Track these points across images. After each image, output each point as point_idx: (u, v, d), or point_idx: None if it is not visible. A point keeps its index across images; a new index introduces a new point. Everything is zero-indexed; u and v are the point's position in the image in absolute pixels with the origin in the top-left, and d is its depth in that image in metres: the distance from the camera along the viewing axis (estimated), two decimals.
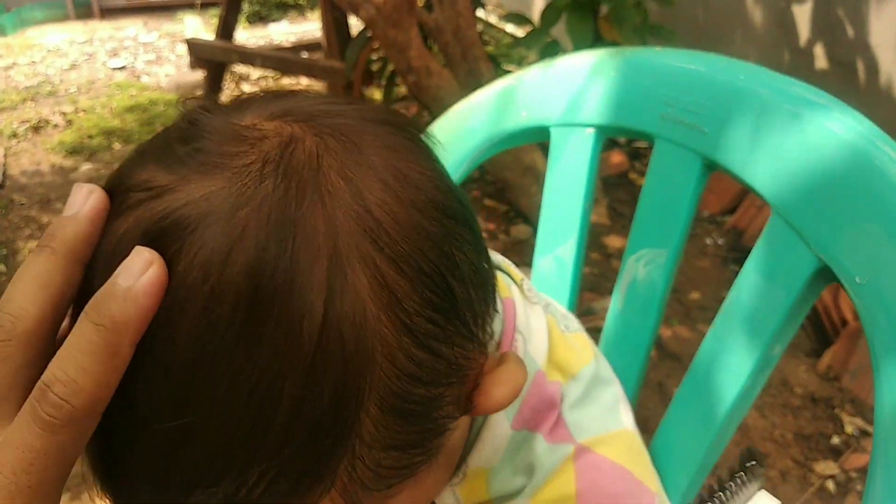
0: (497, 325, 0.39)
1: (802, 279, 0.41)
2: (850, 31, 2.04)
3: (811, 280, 0.41)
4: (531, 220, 2.09)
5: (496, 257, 0.45)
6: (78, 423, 0.25)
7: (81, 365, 0.24)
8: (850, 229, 0.39)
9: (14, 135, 3.12)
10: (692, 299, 1.90)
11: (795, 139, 0.41)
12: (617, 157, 2.54)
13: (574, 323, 0.47)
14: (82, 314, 0.25)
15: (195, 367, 0.25)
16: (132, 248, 0.25)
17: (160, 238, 0.26)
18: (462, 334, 0.31)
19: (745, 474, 0.21)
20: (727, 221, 2.22)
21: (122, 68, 4.13)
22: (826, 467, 1.44)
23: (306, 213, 0.26)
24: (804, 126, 0.41)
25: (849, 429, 1.52)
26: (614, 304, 0.54)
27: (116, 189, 0.28)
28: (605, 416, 0.43)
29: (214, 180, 0.26)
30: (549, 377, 0.41)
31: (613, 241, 2.15)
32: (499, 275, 0.43)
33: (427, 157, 0.32)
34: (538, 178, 2.04)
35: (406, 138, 0.32)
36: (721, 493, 0.20)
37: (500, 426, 0.39)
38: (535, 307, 0.43)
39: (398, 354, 0.28)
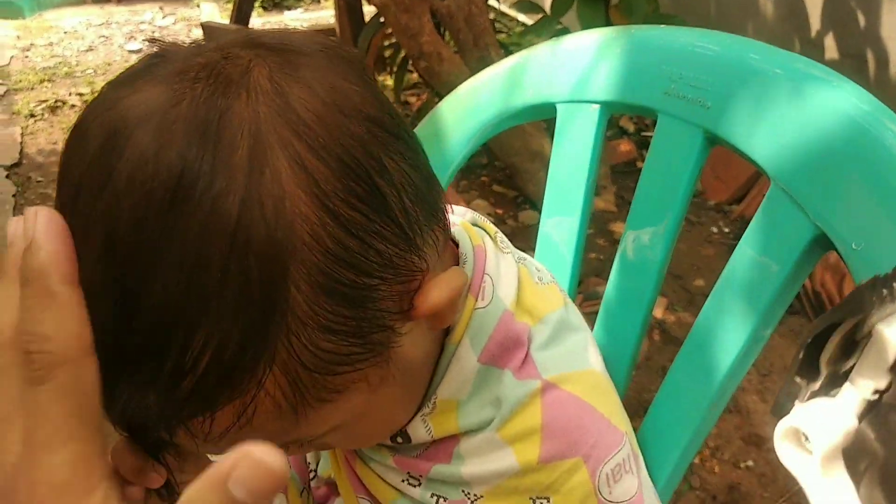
0: (468, 269, 0.41)
1: (800, 247, 0.42)
2: (862, 23, 2.04)
3: (808, 248, 0.42)
4: (538, 206, 2.11)
5: (470, 213, 0.48)
6: (65, 365, 0.27)
7: (35, 318, 0.27)
8: (847, 198, 0.40)
9: (31, 114, 3.17)
10: (696, 286, 1.92)
11: (797, 111, 0.43)
12: (625, 146, 2.55)
13: (547, 276, 0.49)
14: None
15: (135, 247, 0.28)
16: (97, 159, 0.29)
17: (110, 140, 0.29)
18: (396, 234, 0.33)
19: None
20: (734, 210, 2.23)
21: (139, 51, 4.16)
22: None
23: (231, 104, 0.29)
24: (806, 99, 0.42)
25: None
26: (613, 276, 0.56)
27: (90, 109, 0.32)
28: (572, 357, 0.45)
29: (157, 88, 0.30)
30: (517, 318, 0.43)
31: (620, 228, 2.17)
32: (471, 227, 0.45)
33: (363, 81, 0.34)
34: (546, 163, 2.06)
35: (345, 61, 0.34)
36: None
37: (466, 359, 0.41)
38: (506, 256, 0.45)
39: (321, 233, 0.30)
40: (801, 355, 0.19)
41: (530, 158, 2.13)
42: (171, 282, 0.28)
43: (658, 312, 1.83)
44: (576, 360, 0.45)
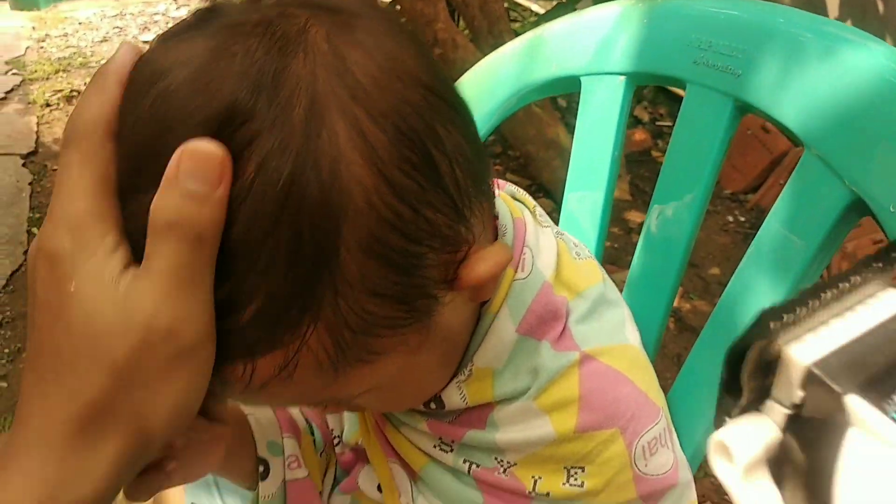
0: (507, 240, 0.41)
1: (835, 213, 0.42)
2: (881, 8, 2.01)
3: (843, 214, 0.42)
4: (553, 195, 2.10)
5: (508, 185, 0.48)
6: (208, 242, 0.28)
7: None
8: (884, 160, 0.40)
9: (47, 104, 3.19)
10: (712, 274, 1.91)
11: (829, 75, 0.42)
12: (640, 135, 2.54)
13: (585, 251, 0.49)
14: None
15: None
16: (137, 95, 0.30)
17: (156, 78, 0.30)
18: (447, 205, 0.33)
19: (882, 262, 0.19)
20: (749, 200, 2.21)
21: None
22: None
23: (288, 62, 0.29)
24: (837, 61, 0.42)
25: None
26: (638, 254, 0.56)
27: (139, 61, 0.33)
28: (610, 331, 0.45)
29: (209, 41, 0.30)
30: (556, 291, 0.43)
31: (635, 217, 2.16)
32: (511, 199, 0.46)
33: (418, 48, 0.34)
34: (561, 152, 2.05)
35: (402, 31, 0.34)
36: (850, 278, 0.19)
37: (504, 328, 0.41)
38: (545, 230, 0.46)
39: (375, 200, 0.30)
40: (724, 375, 0.20)
41: (545, 147, 2.12)
42: (239, 201, 0.29)
43: (674, 300, 1.82)
44: (614, 334, 0.45)
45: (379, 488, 0.50)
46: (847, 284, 0.19)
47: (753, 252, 0.47)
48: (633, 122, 2.65)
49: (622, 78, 0.55)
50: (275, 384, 0.32)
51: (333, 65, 0.30)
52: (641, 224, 2.31)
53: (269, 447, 0.56)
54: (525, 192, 0.48)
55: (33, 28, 4.50)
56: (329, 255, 0.30)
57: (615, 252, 1.96)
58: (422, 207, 0.32)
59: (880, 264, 0.19)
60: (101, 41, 4.22)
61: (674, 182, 0.53)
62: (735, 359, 0.20)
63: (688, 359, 0.52)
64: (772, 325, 0.19)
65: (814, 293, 0.19)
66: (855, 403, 0.17)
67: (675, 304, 1.82)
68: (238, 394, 0.34)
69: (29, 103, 3.22)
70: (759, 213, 2.15)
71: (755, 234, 0.47)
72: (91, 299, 0.28)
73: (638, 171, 2.43)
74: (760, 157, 2.20)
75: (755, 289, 0.46)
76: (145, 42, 4.26)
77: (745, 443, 0.19)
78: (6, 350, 1.76)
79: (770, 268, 0.46)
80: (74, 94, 3.31)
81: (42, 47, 4.09)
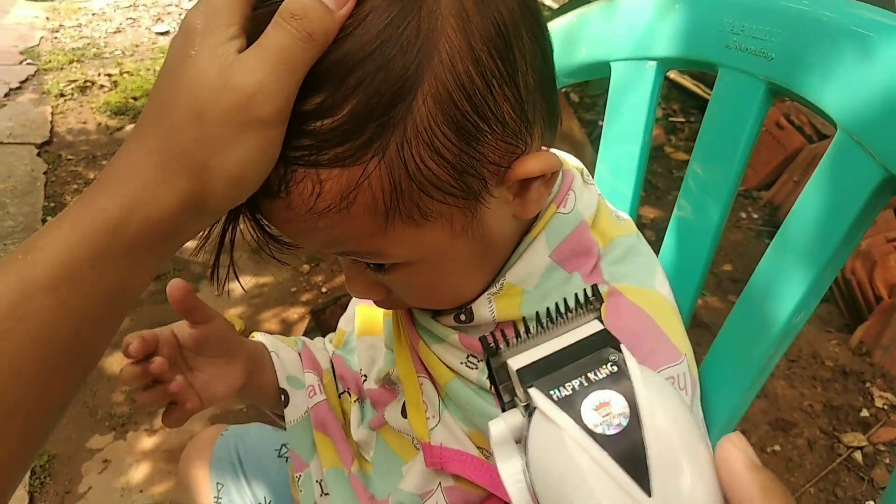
0: (554, 186, 0.45)
1: (869, 188, 0.42)
2: None
3: (877, 190, 0.43)
4: None
5: (560, 152, 0.50)
6: (317, 44, 0.33)
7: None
8: None
9: (61, 94, 3.20)
10: (725, 271, 1.91)
11: (866, 59, 0.43)
12: (653, 131, 2.54)
13: (624, 216, 0.52)
14: None
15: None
16: None
17: None
18: (515, 99, 0.37)
19: (584, 306, 0.27)
20: (763, 196, 2.21)
21: (166, 33, 4.19)
22: (854, 439, 1.45)
23: None
24: (874, 46, 0.42)
25: (879, 402, 1.53)
26: (668, 239, 0.56)
27: None
28: (638, 275, 0.47)
29: None
30: (593, 233, 0.46)
31: (647, 212, 2.16)
32: (564, 156, 0.49)
33: None
34: (575, 145, 2.05)
35: None
36: (555, 316, 0.27)
37: (539, 251, 0.44)
38: (590, 186, 0.49)
39: (457, 58, 0.34)
40: (491, 388, 0.28)
41: (560, 140, 2.12)
42: (350, 28, 0.34)
43: (703, 284, 1.82)
44: (642, 278, 0.47)
45: (403, 413, 0.52)
46: (559, 315, 0.27)
47: (780, 240, 0.48)
48: None
49: (653, 63, 0.56)
50: (333, 214, 0.36)
51: None
52: (654, 219, 2.30)
53: (289, 380, 0.62)
54: (574, 157, 0.51)
55: (47, 18, 4.52)
56: (408, 93, 0.34)
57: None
58: (494, 88, 0.36)
59: (586, 304, 0.27)
60: (115, 32, 4.23)
61: (706, 165, 0.53)
62: (490, 375, 0.27)
63: (710, 350, 0.52)
64: (493, 347, 0.26)
65: (535, 323, 0.27)
66: (533, 391, 0.25)
67: None
68: (299, 220, 0.37)
69: (43, 93, 3.23)
70: (773, 209, 2.15)
71: (768, 230, 0.48)
72: (203, 62, 0.33)
73: (650, 166, 2.43)
74: (774, 153, 2.20)
75: (786, 271, 0.47)
76: (158, 33, 4.27)
77: (496, 429, 0.26)
78: None
79: (801, 250, 0.46)
80: (88, 84, 3.33)
81: (56, 37, 4.11)
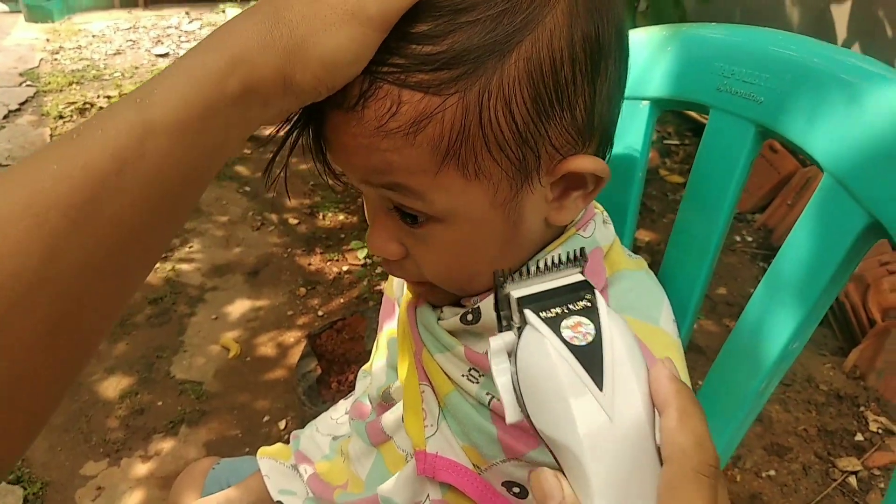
0: (580, 213, 0.47)
1: (854, 234, 0.44)
2: (889, 32, 2.03)
3: (861, 235, 0.44)
4: None
5: None
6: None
7: None
8: None
9: (60, 116, 3.22)
10: (719, 294, 1.92)
11: (851, 106, 0.44)
12: None
13: (636, 256, 0.53)
14: None
15: None
16: None
17: None
18: (588, 102, 0.40)
19: (573, 262, 0.35)
20: (757, 220, 2.23)
21: (165, 55, 4.22)
22: (849, 463, 1.45)
23: None
24: (860, 93, 0.44)
25: (873, 427, 1.53)
26: (662, 271, 0.57)
27: None
28: (646, 310, 0.47)
29: None
30: (605, 261, 0.47)
31: (642, 235, 2.17)
32: None
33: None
34: None
35: None
36: (538, 266, 0.34)
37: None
38: (608, 226, 0.51)
39: (557, 38, 0.38)
40: (497, 314, 0.35)
41: None
42: None
43: (698, 314, 1.82)
44: (648, 313, 0.48)
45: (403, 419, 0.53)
46: (553, 265, 0.34)
47: (771, 275, 0.49)
48: None
49: (646, 103, 0.57)
50: (399, 138, 0.38)
51: None
52: (649, 242, 2.30)
53: (281, 493, 0.66)
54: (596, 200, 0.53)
55: (47, 40, 4.55)
56: (506, 48, 0.37)
57: None
58: (577, 80, 0.39)
59: (574, 261, 0.35)
60: (115, 54, 4.27)
61: (696, 205, 0.55)
62: (495, 302, 0.35)
63: (705, 381, 0.53)
64: (501, 279, 0.34)
65: (535, 267, 0.34)
66: (528, 312, 0.33)
67: None
68: (365, 136, 0.39)
69: (42, 115, 3.25)
70: (767, 232, 2.16)
71: (762, 253, 0.49)
72: None
73: (646, 189, 2.44)
74: (768, 177, 2.22)
75: (775, 311, 0.47)
76: (158, 55, 4.30)
77: (495, 342, 0.33)
78: None
79: (791, 289, 0.47)
80: (87, 106, 3.35)
81: (56, 59, 4.14)
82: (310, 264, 2.13)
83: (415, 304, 0.53)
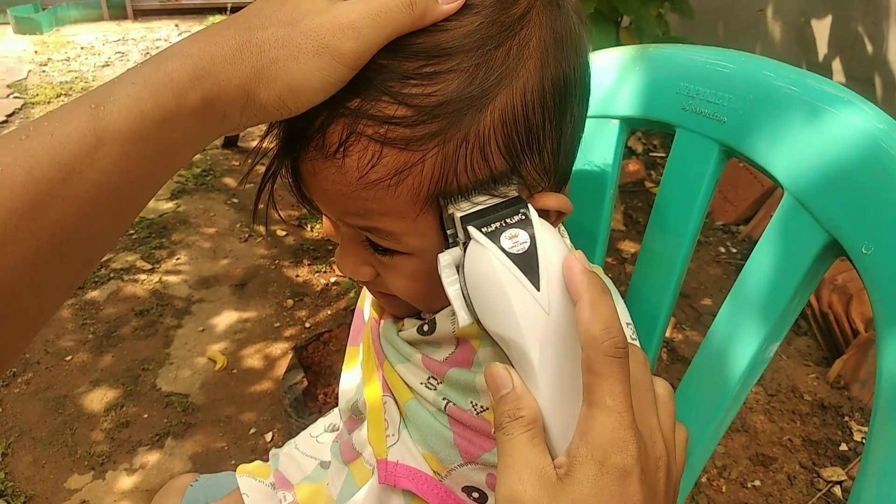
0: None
1: (813, 253, 0.45)
2: (869, 48, 2.06)
3: (820, 254, 0.45)
4: None
5: None
6: (413, 15, 0.36)
7: None
8: (860, 208, 0.42)
9: None
10: (704, 305, 1.93)
11: (812, 128, 0.45)
12: (633, 166, 2.58)
13: (594, 265, 0.54)
14: None
15: None
16: None
17: None
18: (555, 145, 0.41)
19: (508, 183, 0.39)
20: (741, 231, 2.25)
21: None
22: (833, 473, 1.46)
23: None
24: (820, 116, 0.45)
25: (857, 437, 1.54)
26: (633, 283, 0.58)
27: None
28: None
29: None
30: None
31: (628, 247, 2.19)
32: None
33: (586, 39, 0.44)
34: None
35: (582, 26, 0.44)
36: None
37: None
38: (564, 240, 0.51)
39: (529, 91, 0.39)
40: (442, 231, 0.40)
41: None
42: (452, 28, 0.38)
43: (666, 331, 1.84)
44: None
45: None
46: (498, 194, 0.39)
47: (736, 291, 0.50)
48: (627, 153, 2.69)
49: (615, 122, 0.58)
50: (380, 188, 0.39)
51: (551, 4, 0.41)
52: (635, 254, 2.32)
53: None
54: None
55: (35, 52, 4.55)
56: (483, 102, 0.38)
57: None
58: (546, 127, 0.40)
59: (515, 195, 0.39)
60: (104, 66, 4.27)
61: (664, 222, 0.55)
62: (441, 224, 0.39)
63: (680, 386, 0.54)
64: (445, 202, 0.38)
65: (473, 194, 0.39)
66: (471, 228, 0.36)
67: (668, 334, 1.84)
68: (345, 184, 0.40)
69: None
70: (751, 244, 2.18)
71: None
72: None
73: (631, 201, 2.46)
74: (751, 189, 2.24)
75: (741, 326, 0.48)
76: None
77: (444, 257, 0.38)
78: None
79: (754, 307, 0.48)
80: None
81: (44, 71, 4.13)
82: (297, 276, 2.13)
83: (379, 319, 0.54)
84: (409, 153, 0.38)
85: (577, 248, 0.64)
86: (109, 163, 0.33)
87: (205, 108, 0.35)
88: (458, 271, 0.37)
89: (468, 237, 0.37)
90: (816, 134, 0.45)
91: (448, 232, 0.39)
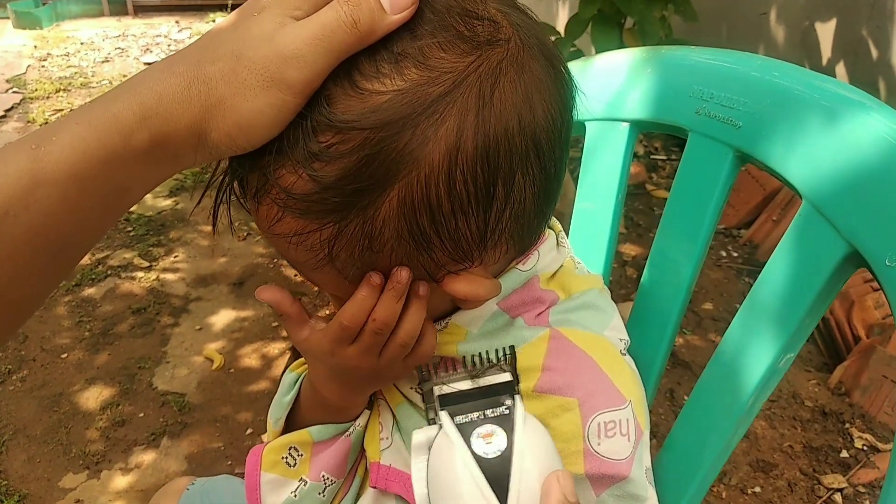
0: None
1: (833, 263, 0.43)
2: (874, 51, 2.06)
3: (840, 265, 0.43)
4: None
5: None
6: (359, 34, 0.35)
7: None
8: (882, 216, 0.41)
9: (46, 123, 3.19)
10: (705, 309, 1.92)
11: (831, 134, 0.43)
12: (634, 169, 2.57)
13: (585, 269, 0.53)
14: None
15: None
16: None
17: None
18: (479, 229, 0.38)
19: (504, 360, 0.36)
20: (743, 235, 2.24)
21: None
22: (834, 480, 1.45)
23: (467, 65, 0.37)
24: (839, 121, 0.43)
25: (858, 443, 1.53)
26: (641, 290, 0.57)
27: None
28: (587, 324, 0.47)
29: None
30: (543, 285, 0.47)
31: (629, 250, 2.18)
32: None
33: (560, 101, 0.40)
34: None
35: (557, 75, 0.40)
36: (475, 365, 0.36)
37: (488, 303, 0.45)
38: (561, 249, 0.50)
39: (433, 180, 0.36)
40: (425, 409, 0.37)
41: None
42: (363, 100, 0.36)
43: (675, 338, 1.83)
44: (591, 325, 0.48)
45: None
46: (482, 369, 0.36)
47: (751, 301, 0.48)
48: None
49: (625, 125, 0.57)
50: (284, 242, 0.39)
51: (490, 77, 0.37)
52: (636, 257, 2.31)
53: None
54: (554, 219, 0.52)
55: (35, 47, 4.53)
56: (380, 188, 0.36)
57: (610, 285, 1.97)
58: (459, 215, 0.37)
59: (505, 362, 0.36)
60: (103, 61, 4.25)
61: (675, 227, 0.54)
62: (423, 396, 0.37)
63: (690, 398, 0.53)
64: (425, 374, 0.36)
65: (463, 365, 0.37)
66: (443, 415, 0.34)
67: None
68: (262, 227, 0.40)
69: (28, 122, 3.23)
70: (752, 248, 2.18)
71: (748, 269, 0.48)
72: (262, 20, 0.36)
73: (632, 204, 2.45)
74: (753, 193, 2.23)
75: (756, 337, 0.47)
76: (146, 63, 4.31)
77: (416, 437, 0.35)
78: None
79: (769, 318, 0.46)
80: None
81: (43, 66, 4.12)
82: (295, 275, 2.12)
83: None
84: (305, 221, 0.38)
85: (582, 256, 0.63)
86: (48, 204, 0.32)
87: (154, 149, 0.35)
88: (428, 452, 0.34)
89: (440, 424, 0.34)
90: (835, 139, 0.43)
91: (427, 406, 0.36)
